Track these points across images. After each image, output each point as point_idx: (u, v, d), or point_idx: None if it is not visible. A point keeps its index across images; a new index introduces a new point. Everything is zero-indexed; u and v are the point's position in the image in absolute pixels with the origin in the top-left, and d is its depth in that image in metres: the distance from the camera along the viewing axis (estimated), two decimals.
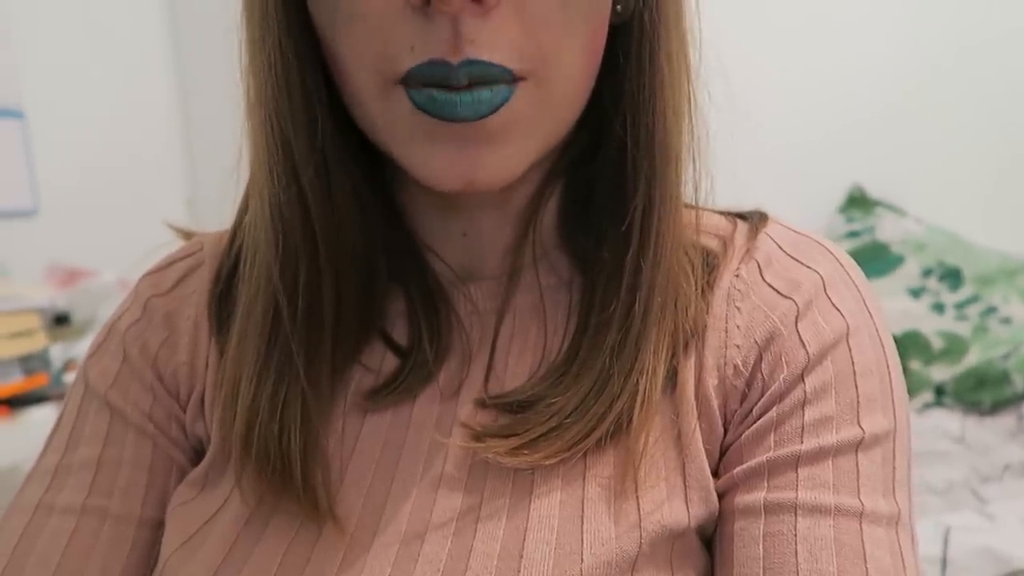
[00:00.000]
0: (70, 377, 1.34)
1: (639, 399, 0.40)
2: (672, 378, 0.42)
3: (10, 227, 1.67)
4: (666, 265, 0.42)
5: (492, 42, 0.36)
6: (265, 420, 0.42)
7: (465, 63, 0.36)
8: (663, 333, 0.42)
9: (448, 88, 0.36)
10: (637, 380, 0.40)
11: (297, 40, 0.40)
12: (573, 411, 0.40)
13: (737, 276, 0.44)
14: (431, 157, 0.38)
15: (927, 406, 1.68)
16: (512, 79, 0.37)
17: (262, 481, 0.42)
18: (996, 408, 1.63)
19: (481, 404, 0.43)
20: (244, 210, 0.49)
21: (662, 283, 0.42)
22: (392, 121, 0.39)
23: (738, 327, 0.43)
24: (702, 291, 0.43)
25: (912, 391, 1.66)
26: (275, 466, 0.41)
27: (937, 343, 1.76)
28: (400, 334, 0.47)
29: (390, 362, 0.46)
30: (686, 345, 0.43)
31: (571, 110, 0.41)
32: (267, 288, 0.43)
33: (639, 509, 0.39)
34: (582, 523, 0.39)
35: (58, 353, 1.36)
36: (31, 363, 1.28)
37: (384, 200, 0.47)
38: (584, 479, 0.40)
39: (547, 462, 0.39)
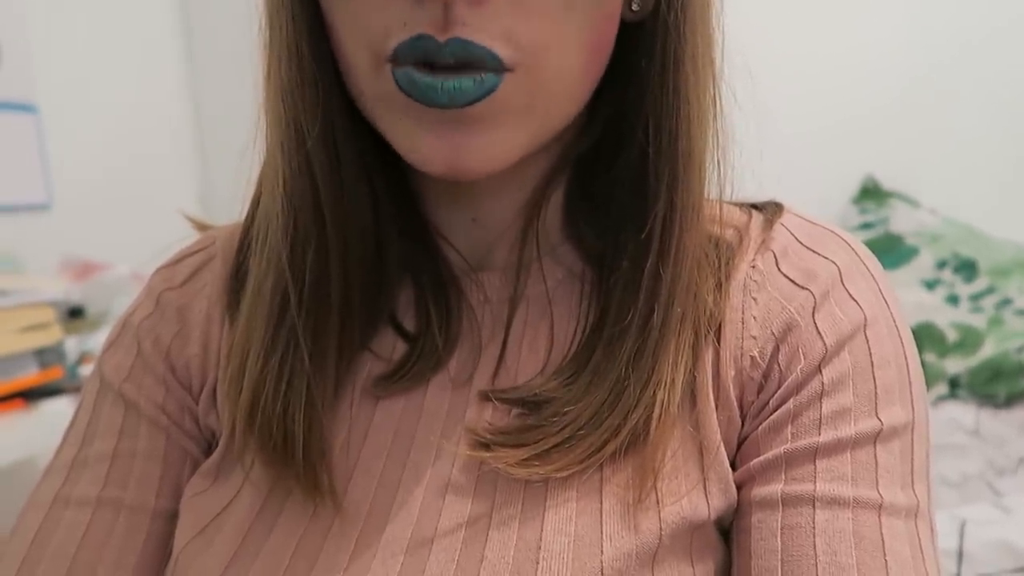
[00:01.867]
0: (85, 370, 1.35)
1: (656, 412, 0.40)
2: (692, 384, 0.42)
3: (24, 221, 1.68)
4: (686, 274, 0.41)
5: (483, 27, 0.35)
6: (270, 397, 0.42)
7: (452, 41, 0.35)
8: (683, 343, 0.41)
9: (433, 67, 0.36)
10: (654, 392, 0.40)
11: (309, 23, 0.40)
12: (587, 422, 0.40)
13: (753, 267, 0.44)
14: (415, 139, 0.38)
15: (941, 398, 1.67)
16: (500, 67, 0.36)
17: (263, 458, 0.42)
18: (1011, 401, 1.61)
19: (488, 399, 0.43)
20: (259, 193, 0.49)
21: (682, 293, 0.41)
22: (380, 101, 0.39)
23: (755, 318, 0.42)
24: (719, 283, 0.43)
25: (927, 383, 1.64)
26: (276, 443, 0.42)
27: (952, 335, 1.75)
28: (410, 322, 0.46)
29: (400, 350, 0.46)
30: (704, 338, 0.42)
31: (568, 104, 0.41)
32: (276, 266, 0.43)
33: (659, 504, 0.39)
34: (601, 517, 0.39)
35: (73, 346, 1.36)
36: (46, 356, 1.28)
37: (397, 185, 0.46)
38: (601, 492, 0.40)
39: (559, 474, 0.39)
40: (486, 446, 0.40)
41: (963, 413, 1.58)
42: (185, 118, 2.20)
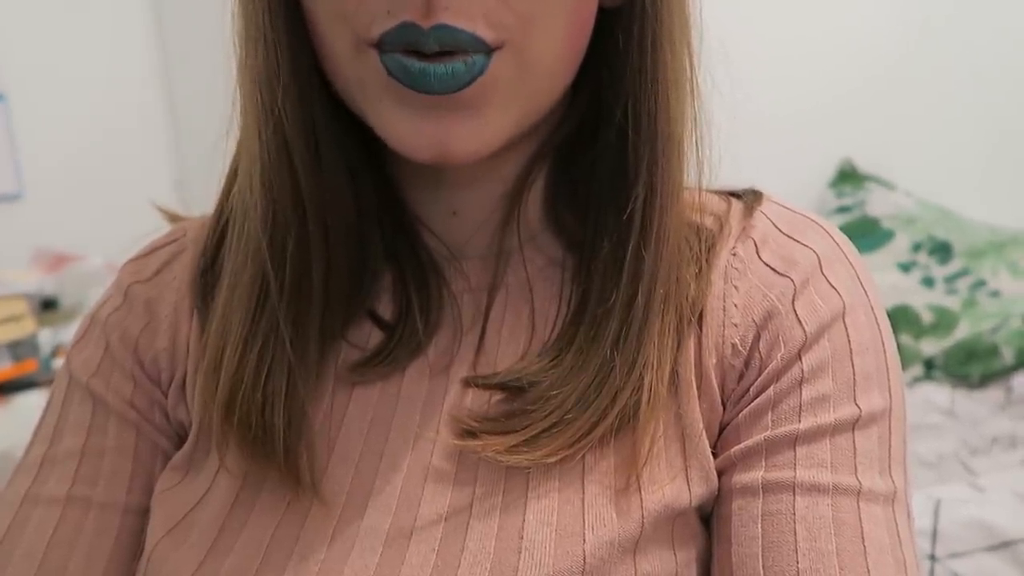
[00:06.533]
0: (59, 362, 1.33)
1: (646, 395, 0.39)
2: (675, 370, 0.42)
3: None
4: (668, 255, 0.42)
5: (466, 10, 0.35)
6: (248, 389, 0.41)
7: (436, 27, 0.35)
8: (667, 326, 0.41)
9: (419, 55, 0.36)
10: (641, 374, 0.40)
11: (285, 9, 0.39)
12: (574, 405, 0.39)
13: (734, 255, 0.44)
14: (402, 125, 0.38)
15: (917, 380, 1.69)
16: (486, 48, 0.36)
17: (243, 451, 0.42)
18: (985, 381, 1.64)
19: (469, 385, 0.43)
20: (231, 183, 0.48)
21: (664, 275, 0.41)
22: (365, 86, 0.38)
23: (736, 306, 0.42)
24: (700, 269, 0.43)
25: (902, 365, 1.66)
26: (256, 435, 0.41)
27: (927, 317, 1.76)
28: (386, 309, 0.46)
29: (376, 337, 0.45)
30: (687, 323, 0.42)
31: (552, 83, 0.40)
32: (256, 258, 0.43)
33: (640, 491, 0.39)
34: (583, 505, 0.39)
35: (47, 338, 1.35)
36: (20, 349, 1.27)
37: (377, 173, 0.46)
38: (583, 480, 0.39)
39: (548, 460, 0.38)
40: (472, 434, 0.40)
41: (938, 394, 1.60)
42: (158, 104, 2.17)
